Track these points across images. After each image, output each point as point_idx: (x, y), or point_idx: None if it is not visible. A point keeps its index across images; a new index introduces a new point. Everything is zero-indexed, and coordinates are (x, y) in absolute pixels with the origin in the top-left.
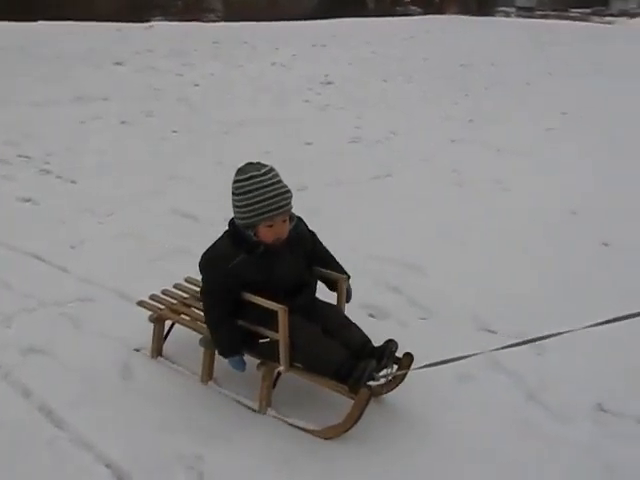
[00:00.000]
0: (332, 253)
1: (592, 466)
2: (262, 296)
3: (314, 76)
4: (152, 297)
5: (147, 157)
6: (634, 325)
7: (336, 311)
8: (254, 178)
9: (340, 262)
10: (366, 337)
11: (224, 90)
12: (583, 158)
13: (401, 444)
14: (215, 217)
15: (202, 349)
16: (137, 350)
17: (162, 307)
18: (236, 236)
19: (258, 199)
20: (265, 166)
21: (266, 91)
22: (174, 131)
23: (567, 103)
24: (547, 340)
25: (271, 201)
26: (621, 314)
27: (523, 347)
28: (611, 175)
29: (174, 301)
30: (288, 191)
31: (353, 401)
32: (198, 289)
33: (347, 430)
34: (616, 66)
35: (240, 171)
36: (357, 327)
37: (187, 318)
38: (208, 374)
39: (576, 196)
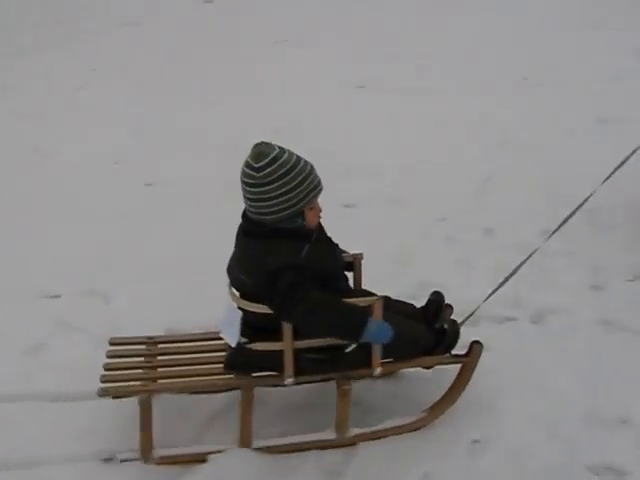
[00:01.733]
0: None
1: None
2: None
3: None
4: (107, 379)
5: None
6: None
7: (364, 290)
8: (280, 158)
9: None
10: (408, 302)
11: None
12: (116, 112)
13: None
14: None
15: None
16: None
17: (137, 382)
18: (283, 231)
19: (299, 180)
20: (269, 142)
21: None
22: None
23: (95, 60)
24: (112, 288)
25: (311, 178)
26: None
27: (89, 302)
28: (150, 123)
29: (138, 370)
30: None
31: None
32: (139, 346)
33: (455, 401)
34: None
35: (258, 156)
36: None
37: (184, 378)
38: (248, 434)
39: (117, 148)
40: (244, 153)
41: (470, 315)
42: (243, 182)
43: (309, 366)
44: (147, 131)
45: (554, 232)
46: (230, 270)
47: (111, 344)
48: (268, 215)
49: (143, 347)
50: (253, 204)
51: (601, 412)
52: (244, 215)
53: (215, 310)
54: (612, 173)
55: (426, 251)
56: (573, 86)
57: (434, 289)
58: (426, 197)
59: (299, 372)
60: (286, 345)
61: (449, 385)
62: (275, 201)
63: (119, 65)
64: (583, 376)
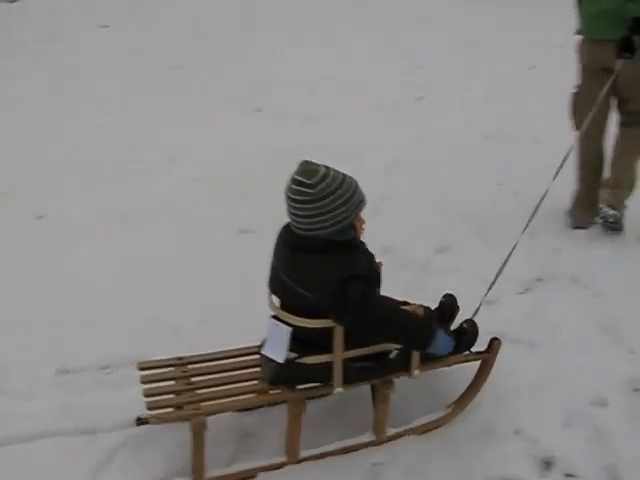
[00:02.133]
0: None
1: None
2: None
3: None
4: (152, 405)
5: None
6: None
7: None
8: (329, 174)
9: None
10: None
11: None
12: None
13: None
14: None
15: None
16: None
17: (178, 404)
18: (338, 243)
19: (350, 193)
20: (311, 161)
21: None
22: None
23: None
24: None
25: (358, 191)
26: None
27: None
28: (40, 154)
29: (180, 394)
30: None
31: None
32: (170, 369)
33: (475, 396)
34: None
35: (309, 174)
36: None
37: (232, 397)
38: (297, 446)
39: (3, 180)
40: (136, 183)
41: (475, 313)
42: (294, 200)
43: (356, 374)
44: (36, 162)
45: (526, 228)
46: (279, 287)
47: (140, 369)
48: (323, 229)
49: (173, 369)
50: (305, 220)
51: (495, 424)
52: (291, 232)
53: (107, 345)
54: (557, 171)
55: None
56: (462, 105)
57: (446, 292)
58: None
59: (346, 381)
60: (336, 356)
61: (460, 379)
62: (330, 215)
63: (11, 93)
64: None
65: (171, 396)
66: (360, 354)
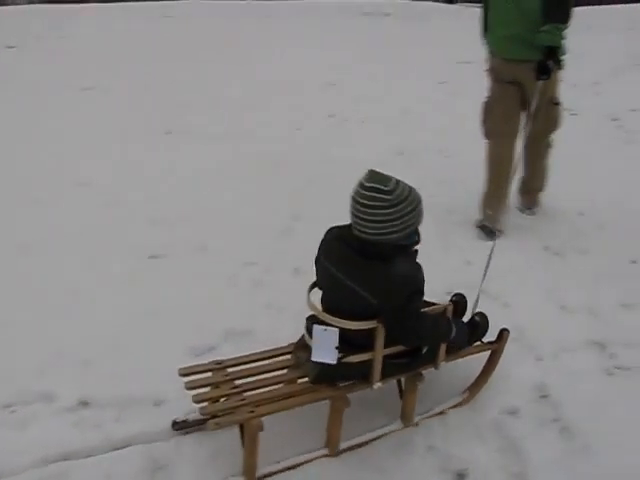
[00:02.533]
0: None
1: None
2: None
3: None
4: (206, 411)
5: None
6: None
7: None
8: (399, 182)
9: None
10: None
11: None
12: None
13: None
14: None
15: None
16: None
17: (230, 408)
18: (404, 249)
19: (418, 197)
20: (375, 170)
21: None
22: None
23: None
24: None
25: (420, 194)
26: None
27: None
28: None
29: (230, 397)
30: None
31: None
32: (210, 373)
33: (487, 382)
34: None
35: (383, 180)
36: None
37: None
38: (337, 439)
39: None
40: (40, 210)
41: (475, 305)
42: (367, 206)
43: (392, 370)
44: None
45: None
46: (328, 283)
47: (181, 375)
48: (392, 234)
49: (212, 374)
50: (376, 225)
51: (408, 440)
52: (349, 234)
53: (10, 382)
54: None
55: (234, 297)
56: (373, 121)
57: (457, 295)
58: (232, 242)
59: (383, 376)
60: (377, 354)
61: (470, 368)
62: (402, 219)
63: None
64: (392, 407)
65: (224, 401)
66: (397, 351)
